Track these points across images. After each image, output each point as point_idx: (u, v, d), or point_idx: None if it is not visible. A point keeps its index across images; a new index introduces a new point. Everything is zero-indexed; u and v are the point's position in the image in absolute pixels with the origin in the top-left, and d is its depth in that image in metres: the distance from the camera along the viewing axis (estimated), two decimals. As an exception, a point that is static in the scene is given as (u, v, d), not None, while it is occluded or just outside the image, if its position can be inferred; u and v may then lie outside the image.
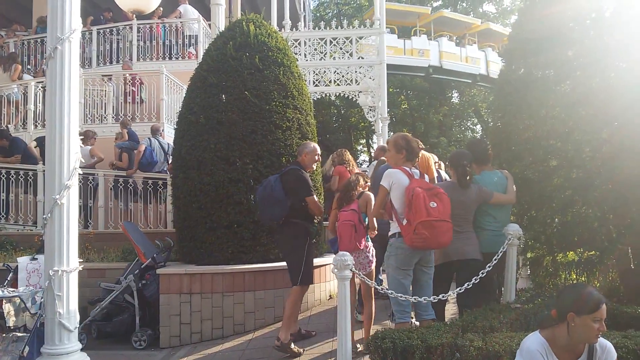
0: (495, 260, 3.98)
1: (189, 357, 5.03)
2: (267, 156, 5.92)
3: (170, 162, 8.24)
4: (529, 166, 4.81)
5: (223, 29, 7.17)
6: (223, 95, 6.08)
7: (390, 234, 4.09)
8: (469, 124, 30.14)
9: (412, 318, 4.06)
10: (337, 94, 12.97)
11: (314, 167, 5.41)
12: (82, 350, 3.85)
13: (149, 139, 8.61)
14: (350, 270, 3.60)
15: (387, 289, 3.85)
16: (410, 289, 3.98)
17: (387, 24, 12.75)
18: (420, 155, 4.54)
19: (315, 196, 4.92)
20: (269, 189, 4.76)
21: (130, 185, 8.30)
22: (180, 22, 11.78)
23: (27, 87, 9.95)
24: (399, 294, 3.75)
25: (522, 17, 5.30)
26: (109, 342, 5.70)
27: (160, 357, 5.18)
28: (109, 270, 6.31)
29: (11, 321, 4.13)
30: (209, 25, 10.85)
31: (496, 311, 3.77)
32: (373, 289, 4.54)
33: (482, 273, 3.88)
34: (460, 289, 3.86)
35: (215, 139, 5.94)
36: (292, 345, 4.70)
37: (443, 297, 3.87)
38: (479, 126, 29.47)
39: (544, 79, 4.86)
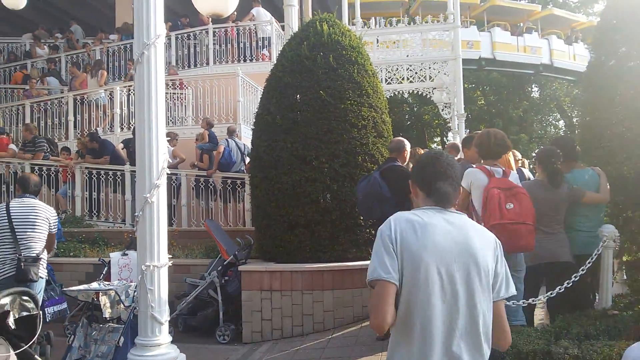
0: (589, 263, 3.75)
1: (270, 354, 5.13)
2: (343, 155, 5.93)
3: (247, 162, 8.46)
4: (623, 163, 4.50)
5: (296, 30, 7.26)
6: (298, 95, 6.15)
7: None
8: (550, 119, 28.74)
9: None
10: (410, 91, 12.77)
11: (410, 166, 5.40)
12: (171, 342, 4.02)
13: (227, 140, 8.87)
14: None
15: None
16: None
17: (433, 17, 12.34)
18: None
19: None
20: (376, 186, 4.73)
21: (211, 184, 8.60)
22: (254, 24, 12.04)
23: (113, 91, 10.53)
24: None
25: (611, 5, 4.97)
26: (194, 335, 5.92)
27: (243, 352, 5.31)
28: (194, 266, 6.56)
29: (107, 313, 4.38)
30: (282, 26, 11.03)
31: (591, 317, 3.56)
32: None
33: (576, 276, 3.67)
34: (551, 293, 3.67)
35: (292, 138, 6.01)
36: None
37: (533, 301, 3.70)
38: (562, 122, 28.05)
39: (638, 69, 4.53)
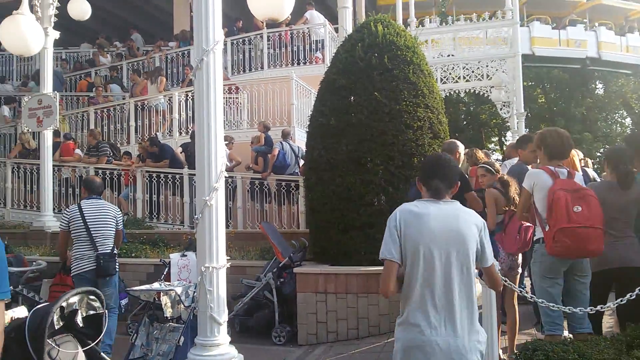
0: (663, 268, 3.52)
1: (326, 356, 5.12)
2: (399, 157, 5.85)
3: (301, 164, 8.51)
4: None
5: (350, 32, 7.24)
6: (352, 97, 6.13)
7: (535, 239, 3.81)
8: (616, 116, 27.35)
9: (565, 330, 3.74)
10: (467, 90, 12.49)
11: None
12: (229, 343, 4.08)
13: (281, 142, 8.96)
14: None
15: (533, 296, 3.59)
16: (561, 298, 3.66)
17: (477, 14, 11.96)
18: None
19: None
20: None
21: (265, 187, 8.70)
22: (307, 27, 12.11)
23: (171, 97, 10.86)
24: (550, 304, 3.47)
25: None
26: (251, 335, 5.99)
27: (299, 353, 5.33)
28: (249, 268, 6.64)
29: (168, 312, 4.50)
30: (335, 29, 11.04)
31: (667, 327, 3.33)
32: (516, 296, 4.27)
33: (648, 283, 3.45)
34: (621, 300, 3.46)
35: (346, 140, 5.99)
36: None
37: (602, 308, 3.51)
38: (628, 119, 26.65)
39: None
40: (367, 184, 5.83)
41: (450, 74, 12.03)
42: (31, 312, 3.01)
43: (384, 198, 5.81)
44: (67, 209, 5.78)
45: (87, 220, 5.27)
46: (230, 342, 4.09)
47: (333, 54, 6.94)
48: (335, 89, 6.27)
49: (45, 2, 8.21)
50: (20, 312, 3.15)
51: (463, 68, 11.88)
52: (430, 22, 13.10)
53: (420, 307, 2.41)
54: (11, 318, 3.07)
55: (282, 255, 6.04)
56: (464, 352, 2.36)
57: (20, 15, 5.83)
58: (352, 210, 5.86)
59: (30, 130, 9.29)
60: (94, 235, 5.23)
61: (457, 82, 12.02)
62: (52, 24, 8.32)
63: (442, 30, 12.32)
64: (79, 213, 5.29)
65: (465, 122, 27.27)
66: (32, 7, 6.90)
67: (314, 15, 12.31)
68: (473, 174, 6.41)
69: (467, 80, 11.90)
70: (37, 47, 6.28)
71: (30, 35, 5.90)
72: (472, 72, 11.82)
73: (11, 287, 4.31)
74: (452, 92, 12.41)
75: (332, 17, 10.77)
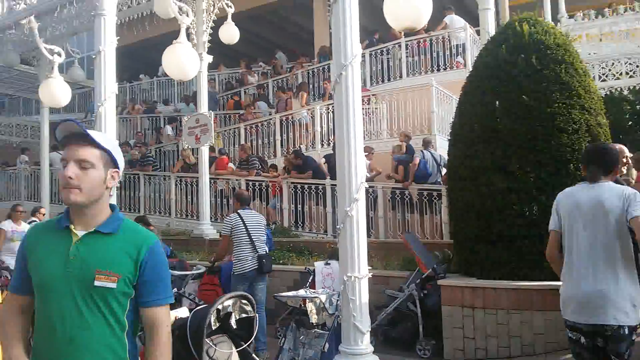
0: None
1: (474, 374, 4.88)
2: (551, 163, 5.40)
3: (443, 173, 8.28)
4: None
5: (493, 34, 6.92)
6: (497, 102, 5.82)
7: None
8: None
9: None
10: (631, 87, 11.20)
11: (624, 171, 4.78)
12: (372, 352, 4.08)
13: (422, 151, 8.81)
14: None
15: None
16: None
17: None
18: None
19: None
20: None
21: (406, 196, 8.61)
22: (447, 32, 11.81)
23: (313, 110, 11.27)
24: None
25: None
26: (393, 347, 5.93)
27: (445, 369, 5.16)
28: (392, 278, 6.59)
29: (313, 319, 4.63)
30: (476, 31, 10.62)
31: None
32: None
33: None
34: None
35: (491, 147, 5.69)
36: None
37: None
38: None
39: None
40: (516, 193, 5.47)
41: (609, 70, 10.90)
42: (192, 313, 3.29)
43: (536, 207, 5.41)
44: (228, 218, 6.45)
45: (247, 227, 6.06)
46: (374, 352, 4.10)
47: (475, 58, 6.67)
48: (478, 94, 6.00)
49: (200, 30, 9.07)
50: (183, 312, 3.46)
51: (625, 63, 10.68)
52: (582, 17, 12.03)
53: (570, 268, 3.12)
54: (175, 317, 3.39)
55: (425, 267, 5.90)
56: (606, 298, 2.94)
57: (179, 44, 6.47)
58: (500, 220, 5.53)
59: (189, 146, 10.25)
60: (254, 239, 6.01)
61: (618, 79, 10.84)
62: (206, 50, 9.14)
63: (596, 24, 11.21)
64: (240, 221, 6.08)
65: (630, 123, 24.35)
66: (188, 36, 7.64)
67: (454, 20, 11.96)
68: (640, 180, 5.72)
69: (630, 76, 10.68)
70: (194, 72, 6.93)
71: (188, 61, 6.52)
72: (637, 66, 10.58)
73: (175, 289, 4.77)
74: (613, 90, 11.22)
75: (473, 19, 10.35)
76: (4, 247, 7.51)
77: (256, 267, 5.95)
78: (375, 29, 13.21)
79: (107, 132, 5.72)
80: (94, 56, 5.87)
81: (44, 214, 9.11)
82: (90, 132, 1.81)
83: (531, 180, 5.41)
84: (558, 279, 5.19)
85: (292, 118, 11.54)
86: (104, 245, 1.81)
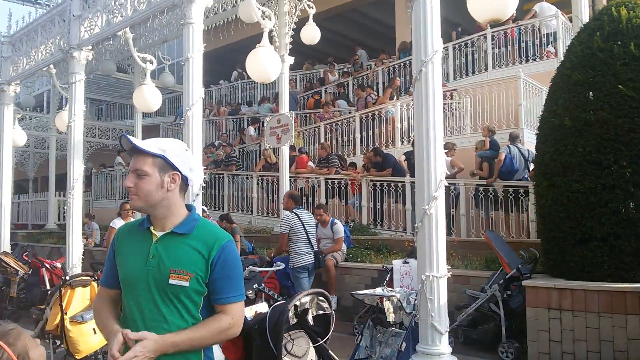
0: None
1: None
2: (652, 158, 5.01)
3: (531, 169, 7.91)
4: None
5: (586, 21, 6.50)
6: (590, 93, 5.46)
7: None
8: None
9: None
10: None
11: None
12: (451, 353, 3.99)
13: (508, 146, 8.46)
14: None
15: None
16: None
17: None
18: None
19: None
20: None
21: (491, 193, 8.31)
22: (537, 21, 11.22)
23: (393, 107, 11.14)
24: None
25: None
26: (474, 348, 5.77)
27: (530, 373, 4.94)
28: (473, 278, 6.40)
29: (390, 317, 4.61)
30: (569, 18, 10.02)
31: None
32: None
33: None
34: None
35: (584, 141, 5.36)
36: None
37: None
38: None
39: None
40: (611, 189, 5.11)
41: None
42: (271, 308, 3.39)
43: (632, 205, 5.03)
44: (286, 217, 7.00)
45: (305, 225, 6.71)
46: (453, 353, 4.01)
47: (567, 47, 6.30)
48: (569, 85, 5.67)
49: (282, 32, 9.26)
50: (262, 307, 3.58)
51: None
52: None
53: None
54: (255, 312, 3.51)
55: (509, 267, 5.68)
56: None
57: (262, 47, 6.67)
58: (592, 219, 5.20)
59: (271, 146, 10.51)
60: (310, 237, 6.70)
61: None
62: (288, 51, 9.33)
63: None
64: (298, 219, 6.71)
65: None
66: (271, 39, 7.84)
67: (544, 7, 11.34)
68: None
69: None
70: (276, 74, 7.11)
71: (270, 64, 6.72)
72: None
73: (255, 284, 4.94)
74: None
75: (566, 6, 9.75)
76: None
77: (313, 261, 6.67)
78: (457, 20, 12.83)
79: (194, 134, 5.99)
80: (182, 63, 6.18)
81: (128, 210, 9.69)
82: (141, 142, 1.93)
83: (627, 176, 5.05)
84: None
85: (379, 114, 11.43)
86: (179, 245, 1.90)
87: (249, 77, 12.34)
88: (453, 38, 12.59)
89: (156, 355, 1.77)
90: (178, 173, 1.93)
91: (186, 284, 1.85)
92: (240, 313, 1.95)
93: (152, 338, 1.77)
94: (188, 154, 1.98)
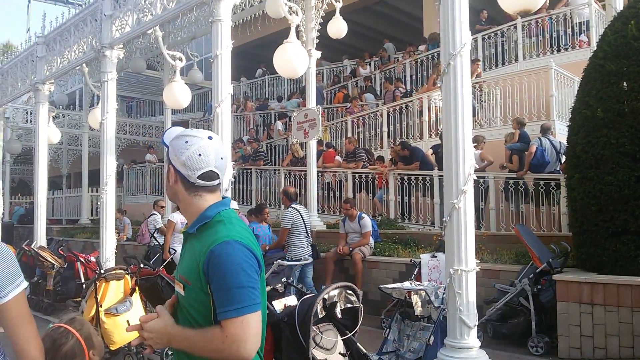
0: None
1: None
2: (691, 149, 4.88)
3: (562, 161, 7.76)
4: None
5: (620, 9, 6.33)
6: (625, 83, 5.34)
7: None
8: None
9: None
10: None
11: None
12: (480, 347, 3.97)
13: (539, 138, 8.30)
14: None
15: None
16: None
17: None
18: None
19: None
20: None
21: (521, 186, 8.19)
22: (569, 9, 10.95)
23: (421, 99, 11.02)
24: None
25: None
26: (503, 342, 5.72)
27: (561, 368, 4.88)
28: (503, 272, 6.33)
29: (418, 311, 4.61)
30: (603, 6, 9.76)
31: None
32: None
33: None
34: None
35: (617, 133, 5.26)
36: None
37: None
38: None
39: None
40: (645, 182, 5.00)
41: None
42: (300, 301, 3.44)
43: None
44: (288, 212, 7.26)
45: (304, 219, 7.09)
46: (481, 347, 3.99)
47: (600, 36, 6.15)
48: (602, 75, 5.55)
49: (308, 27, 9.27)
50: (291, 300, 3.64)
51: None
52: None
53: None
54: (284, 305, 3.57)
55: (540, 261, 5.60)
56: None
57: (289, 43, 6.70)
58: (626, 212, 5.11)
59: (298, 140, 10.55)
60: (308, 231, 7.11)
61: None
62: (315, 46, 9.34)
63: None
64: (299, 214, 7.06)
65: None
66: (298, 33, 7.86)
67: (577, -6, 11.07)
68: None
69: None
70: (303, 69, 7.14)
71: (297, 59, 6.74)
72: None
73: (284, 278, 5.00)
74: None
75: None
76: (175, 237, 8.14)
77: (310, 253, 7.14)
78: (482, 7, 12.58)
79: (223, 130, 6.08)
80: (211, 60, 6.26)
81: (162, 207, 9.82)
82: (170, 131, 1.78)
83: (663, 168, 4.92)
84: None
85: (401, 109, 11.36)
86: (188, 247, 1.71)
87: (272, 74, 12.37)
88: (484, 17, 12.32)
89: (160, 339, 1.63)
90: (171, 167, 1.71)
91: (182, 292, 1.66)
92: (239, 332, 1.50)
93: (161, 320, 1.64)
94: (184, 147, 1.66)
